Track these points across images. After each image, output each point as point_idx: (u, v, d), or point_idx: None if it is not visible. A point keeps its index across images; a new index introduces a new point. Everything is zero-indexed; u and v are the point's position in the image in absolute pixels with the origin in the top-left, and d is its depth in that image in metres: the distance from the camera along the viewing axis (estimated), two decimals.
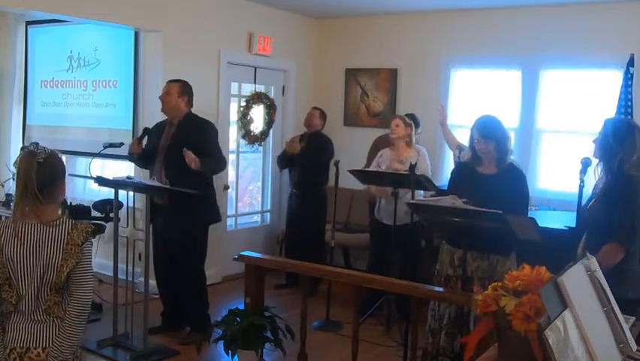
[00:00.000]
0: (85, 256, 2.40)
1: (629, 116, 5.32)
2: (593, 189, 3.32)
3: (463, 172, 3.86)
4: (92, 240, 2.47)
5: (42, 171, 2.36)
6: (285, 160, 6.28)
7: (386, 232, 5.16)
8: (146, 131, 4.86)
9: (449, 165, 6.33)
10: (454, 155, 5.34)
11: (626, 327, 1.61)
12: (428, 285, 3.80)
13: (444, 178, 6.24)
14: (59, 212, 2.48)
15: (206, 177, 4.76)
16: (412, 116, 5.79)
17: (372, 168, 5.33)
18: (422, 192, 5.09)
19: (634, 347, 1.66)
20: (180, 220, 4.67)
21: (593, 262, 1.61)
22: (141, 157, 4.88)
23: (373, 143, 6.01)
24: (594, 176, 3.33)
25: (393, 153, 5.30)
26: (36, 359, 2.39)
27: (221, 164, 4.89)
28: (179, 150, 4.54)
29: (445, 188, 4.77)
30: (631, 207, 3.06)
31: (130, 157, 4.97)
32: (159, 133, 4.81)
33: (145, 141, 4.89)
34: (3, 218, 5.58)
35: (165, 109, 4.79)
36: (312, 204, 6.19)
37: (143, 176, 5.14)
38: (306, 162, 6.06)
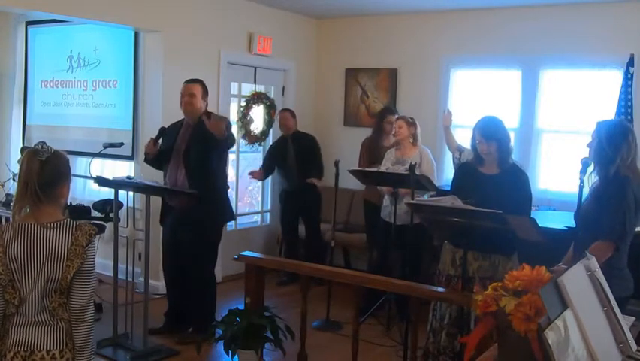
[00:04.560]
0: (89, 258, 2.39)
1: (629, 117, 5.32)
2: (589, 190, 3.33)
3: (466, 173, 3.86)
4: (95, 241, 2.45)
5: (44, 170, 2.34)
6: (269, 168, 6.44)
7: (388, 231, 5.18)
8: (162, 131, 4.80)
9: (449, 165, 6.33)
10: (453, 157, 5.35)
11: (626, 327, 1.61)
12: (428, 285, 3.80)
13: (444, 179, 6.24)
14: (61, 214, 2.45)
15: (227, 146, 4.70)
16: (388, 109, 5.91)
17: (382, 168, 5.33)
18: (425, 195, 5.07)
19: (634, 346, 1.66)
20: (195, 221, 4.64)
21: (592, 262, 1.61)
22: (156, 158, 4.81)
23: (362, 144, 6.00)
24: (589, 179, 3.33)
25: (398, 153, 5.30)
26: None
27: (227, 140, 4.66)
28: (197, 152, 4.58)
29: (445, 188, 4.78)
30: (622, 206, 3.08)
31: (145, 158, 4.90)
32: (175, 133, 4.78)
33: (160, 141, 4.82)
34: (3, 218, 5.62)
35: (189, 111, 4.71)
36: (310, 202, 6.32)
37: (144, 176, 5.14)
38: (302, 162, 6.22)
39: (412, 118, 5.36)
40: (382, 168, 5.27)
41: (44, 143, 2.41)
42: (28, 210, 2.38)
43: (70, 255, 2.35)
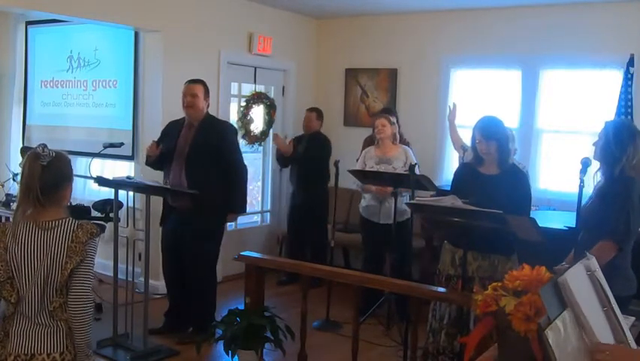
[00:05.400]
0: (88, 255, 2.38)
1: (629, 117, 5.32)
2: (593, 190, 3.33)
3: (465, 173, 3.87)
4: (97, 240, 2.45)
5: (46, 173, 2.35)
6: (284, 159, 6.40)
7: (374, 230, 5.20)
8: (164, 134, 4.80)
9: (449, 164, 6.34)
10: (459, 155, 5.36)
11: (625, 327, 1.61)
12: (428, 285, 3.80)
13: (444, 178, 6.24)
14: (63, 213, 2.46)
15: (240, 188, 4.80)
16: (388, 110, 5.92)
17: (359, 165, 5.36)
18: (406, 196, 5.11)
19: (634, 346, 1.66)
20: (197, 221, 4.64)
21: (593, 262, 1.61)
22: (158, 159, 4.80)
23: (365, 140, 6.03)
24: (593, 179, 3.33)
25: (379, 151, 5.32)
26: None
27: (239, 178, 4.76)
28: (201, 152, 4.59)
29: (445, 188, 4.79)
30: (626, 206, 3.08)
31: (146, 160, 4.88)
32: (176, 133, 4.77)
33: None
34: (2, 218, 5.62)
35: (192, 111, 4.70)
36: (315, 203, 6.28)
37: (144, 176, 5.14)
38: (308, 162, 6.20)
39: (392, 117, 5.41)
40: (365, 167, 5.27)
41: (45, 146, 2.41)
42: (29, 211, 2.39)
43: (70, 252, 2.35)
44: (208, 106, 4.81)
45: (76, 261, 2.35)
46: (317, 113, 6.46)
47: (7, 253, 2.37)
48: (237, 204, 4.78)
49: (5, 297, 2.39)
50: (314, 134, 6.39)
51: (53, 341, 2.39)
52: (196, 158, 4.62)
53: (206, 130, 4.69)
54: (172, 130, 4.81)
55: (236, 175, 4.75)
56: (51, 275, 2.36)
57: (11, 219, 2.45)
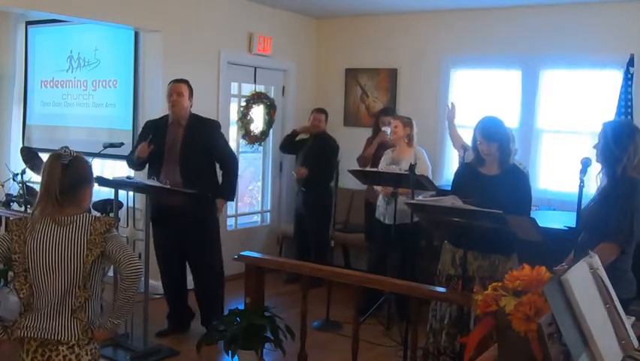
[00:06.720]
0: (113, 239, 2.44)
1: (629, 117, 5.32)
2: (596, 191, 3.31)
3: (466, 173, 3.87)
4: (114, 230, 2.50)
5: (65, 173, 2.40)
6: (289, 146, 6.50)
7: (386, 231, 5.19)
8: (153, 134, 4.81)
9: (449, 164, 6.34)
10: (459, 155, 5.34)
11: (627, 324, 1.61)
12: (428, 285, 3.80)
13: (444, 178, 6.24)
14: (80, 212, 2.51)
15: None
16: (384, 110, 5.95)
17: (380, 168, 5.35)
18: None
19: (635, 343, 1.66)
20: (201, 219, 4.67)
21: (595, 260, 1.61)
22: (146, 160, 4.77)
23: (367, 140, 6.03)
24: (596, 180, 3.31)
25: (395, 153, 5.30)
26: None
27: (233, 168, 4.92)
28: (193, 150, 4.62)
29: (445, 188, 4.79)
30: (630, 207, 3.06)
31: (136, 161, 4.79)
32: (162, 133, 4.74)
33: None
34: (3, 218, 5.61)
35: (177, 110, 4.69)
36: (319, 203, 6.25)
37: (143, 176, 5.14)
38: (313, 161, 6.19)
39: (408, 118, 5.36)
40: (379, 169, 5.27)
41: (67, 147, 2.48)
42: (48, 210, 2.42)
43: (90, 245, 2.40)
44: (191, 106, 4.79)
45: (97, 253, 2.40)
46: (326, 114, 6.46)
47: (25, 245, 2.40)
48: (229, 191, 4.92)
49: (17, 288, 2.43)
50: (320, 135, 6.36)
51: (68, 331, 2.42)
52: (189, 156, 4.64)
53: (195, 128, 4.71)
54: (156, 129, 4.76)
55: (231, 165, 4.89)
56: (74, 269, 2.39)
57: (30, 217, 2.49)
